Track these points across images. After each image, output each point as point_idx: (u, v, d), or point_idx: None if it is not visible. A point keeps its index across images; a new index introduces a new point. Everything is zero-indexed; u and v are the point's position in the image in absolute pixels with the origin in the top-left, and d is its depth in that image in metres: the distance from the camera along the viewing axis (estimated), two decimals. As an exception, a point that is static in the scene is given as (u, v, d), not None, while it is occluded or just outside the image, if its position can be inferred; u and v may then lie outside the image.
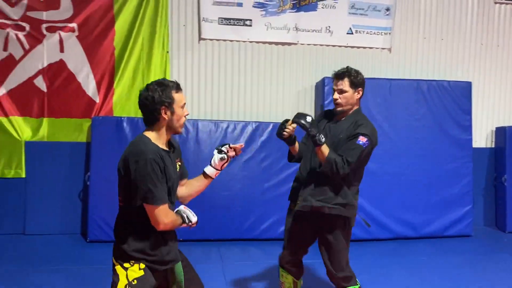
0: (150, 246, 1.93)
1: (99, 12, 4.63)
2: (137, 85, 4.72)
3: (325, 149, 2.44)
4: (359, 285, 2.65)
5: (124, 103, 4.75)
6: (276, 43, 5.03)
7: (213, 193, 4.49)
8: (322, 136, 2.43)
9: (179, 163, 2.10)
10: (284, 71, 5.07)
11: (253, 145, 4.71)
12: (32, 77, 4.60)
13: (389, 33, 5.17)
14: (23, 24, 4.54)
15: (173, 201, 2.04)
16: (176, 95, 1.93)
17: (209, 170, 2.16)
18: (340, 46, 5.12)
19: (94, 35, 4.64)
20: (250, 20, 4.91)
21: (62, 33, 4.59)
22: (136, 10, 4.69)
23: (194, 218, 2.03)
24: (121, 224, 1.98)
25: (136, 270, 1.91)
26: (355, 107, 2.62)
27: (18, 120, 4.61)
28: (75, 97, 4.66)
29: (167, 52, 4.81)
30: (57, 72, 4.61)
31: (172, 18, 4.83)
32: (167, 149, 1.98)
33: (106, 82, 4.71)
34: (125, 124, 4.49)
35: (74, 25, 4.60)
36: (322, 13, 5.02)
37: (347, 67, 2.63)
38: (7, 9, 4.48)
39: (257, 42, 5.00)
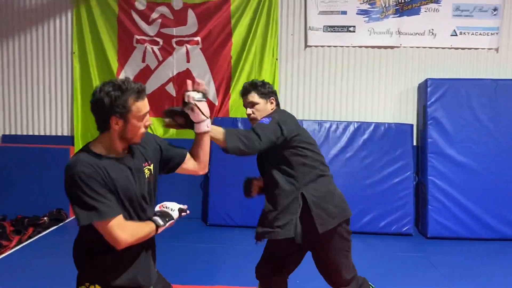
0: (106, 267, 1.66)
1: (219, 26, 5.30)
2: (250, 89, 5.32)
3: (216, 130, 2.09)
4: None
5: (239, 105, 5.36)
6: (379, 47, 5.29)
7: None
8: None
9: (149, 167, 1.76)
10: (386, 73, 5.30)
11: (355, 144, 5.03)
12: (164, 84, 5.42)
13: (496, 33, 5.13)
14: (158, 39, 5.38)
15: (142, 217, 1.71)
16: (135, 105, 1.59)
17: (196, 128, 1.87)
18: (443, 48, 5.20)
19: (215, 47, 5.32)
20: (354, 26, 5.23)
21: (189, 46, 5.35)
22: (250, 24, 5.27)
23: (174, 212, 1.77)
24: (75, 246, 1.73)
25: None
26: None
27: (152, 120, 5.47)
28: (198, 101, 5.38)
29: (276, 59, 5.33)
30: (184, 79, 5.34)
31: (282, 28, 5.34)
32: (120, 156, 1.66)
33: (224, 87, 5.37)
34: (239, 124, 5.10)
35: (198, 38, 5.33)
36: (425, 16, 5.16)
37: (252, 81, 2.48)
38: (145, 27, 5.36)
39: (360, 47, 5.30)
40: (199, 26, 5.31)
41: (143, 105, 1.62)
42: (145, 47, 5.38)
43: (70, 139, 5.52)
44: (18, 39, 5.51)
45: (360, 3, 5.18)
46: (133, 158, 1.70)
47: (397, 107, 5.29)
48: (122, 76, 5.36)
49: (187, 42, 5.35)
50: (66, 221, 5.10)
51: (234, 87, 5.35)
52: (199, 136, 1.89)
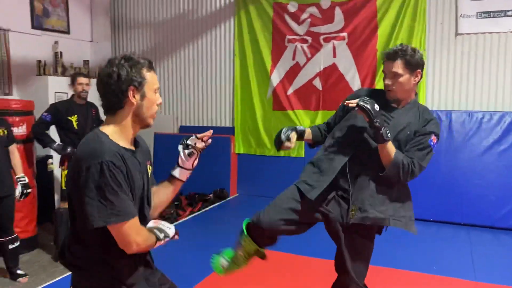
0: (114, 276, 1.50)
1: (365, 21, 5.49)
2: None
3: (391, 148, 2.04)
4: None
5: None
6: (543, 30, 4.83)
7: (465, 182, 4.78)
8: (388, 131, 2.02)
9: (150, 166, 1.67)
10: (551, 59, 4.81)
11: (511, 136, 4.71)
12: (311, 79, 5.85)
13: None
14: (307, 37, 5.83)
15: (147, 215, 1.61)
16: (148, 75, 1.52)
17: (177, 172, 1.75)
18: None
19: (360, 41, 5.53)
20: (511, 10, 4.87)
21: (335, 42, 5.68)
22: (396, 17, 5.33)
23: (171, 231, 1.59)
24: (77, 250, 1.52)
25: None
26: (412, 94, 2.18)
27: (300, 112, 5.95)
28: (343, 93, 5.64)
29: (424, 50, 5.28)
30: (330, 74, 5.73)
31: (430, 18, 5.26)
32: (132, 148, 1.55)
33: (369, 80, 5.55)
34: (383, 115, 5.23)
35: (344, 34, 5.61)
36: None
37: (401, 44, 2.15)
38: (296, 27, 5.86)
39: (519, 31, 4.91)
40: (345, 23, 5.59)
41: (155, 78, 1.56)
42: (295, 46, 5.88)
43: (231, 130, 6.35)
44: (192, 44, 6.55)
45: (521, -16, 4.80)
46: (138, 153, 1.57)
47: None
48: (275, 74, 5.98)
49: (334, 38, 5.67)
50: (227, 199, 5.95)
51: (380, 79, 5.48)
52: (178, 183, 1.77)
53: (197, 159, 1.76)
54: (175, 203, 5.60)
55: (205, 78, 6.53)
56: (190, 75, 6.63)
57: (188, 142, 1.75)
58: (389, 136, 2.02)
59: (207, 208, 5.54)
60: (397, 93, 2.12)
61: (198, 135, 1.74)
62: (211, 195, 5.91)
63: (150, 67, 1.53)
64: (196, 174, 1.81)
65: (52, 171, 5.19)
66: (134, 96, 1.49)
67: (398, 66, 2.08)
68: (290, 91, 5.97)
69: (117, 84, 1.46)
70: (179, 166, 1.75)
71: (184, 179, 1.76)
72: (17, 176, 3.62)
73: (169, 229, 1.58)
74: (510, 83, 4.99)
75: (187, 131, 6.61)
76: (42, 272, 3.81)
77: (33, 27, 5.67)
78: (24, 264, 3.85)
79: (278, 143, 2.27)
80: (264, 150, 6.15)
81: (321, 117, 5.81)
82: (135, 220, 1.45)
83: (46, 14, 5.87)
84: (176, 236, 1.61)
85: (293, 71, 5.92)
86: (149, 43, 6.80)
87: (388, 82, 2.12)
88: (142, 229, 1.49)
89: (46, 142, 4.10)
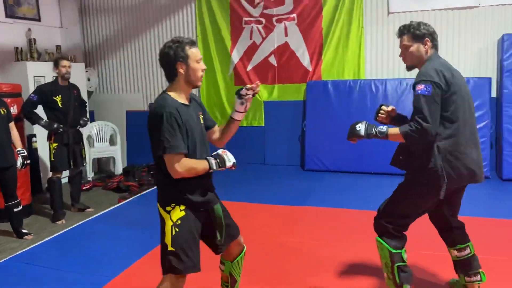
0: (184, 190, 2.06)
1: (311, 3, 6.23)
2: (339, 55, 6.22)
3: (394, 132, 2.30)
4: (394, 250, 2.39)
5: (329, 70, 6.30)
6: (458, 8, 5.73)
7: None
8: (381, 127, 2.37)
9: (202, 116, 2.22)
10: (465, 32, 5.73)
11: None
12: (267, 56, 6.56)
13: None
14: (261, 19, 6.52)
15: (202, 152, 2.12)
16: (190, 51, 2.05)
17: (235, 115, 2.27)
18: (522, 4, 5.45)
19: (308, 21, 6.28)
20: (433, -9, 5.75)
21: (286, 22, 6.40)
22: (338, -2, 6.12)
23: (229, 163, 2.11)
24: (158, 174, 2.13)
25: (177, 212, 2.06)
26: (426, 58, 2.40)
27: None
28: (295, 68, 6.45)
29: (362, 27, 6.10)
30: (283, 51, 6.47)
31: (366, -1, 6.08)
32: (187, 103, 2.11)
33: (316, 55, 6.33)
34: (329, 86, 6.05)
35: (294, 15, 6.34)
36: (504, -26, 5.44)
37: (407, 24, 2.46)
38: (251, 10, 6.53)
39: (440, 10, 5.80)
40: (294, 5, 6.32)
41: (197, 51, 2.09)
42: (252, 27, 6.57)
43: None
44: (157, 27, 7.08)
45: (439, -31, 5.65)
46: (192, 107, 2.15)
47: (477, 63, 5.71)
48: (235, 53, 6.66)
49: (285, 19, 6.40)
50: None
51: (325, 54, 6.27)
52: (236, 122, 2.29)
53: (248, 104, 2.25)
54: (151, 172, 6.22)
55: (170, 59, 7.09)
56: (156, 56, 7.11)
57: (241, 92, 2.23)
58: (384, 130, 2.34)
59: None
60: (408, 61, 2.46)
61: (248, 86, 2.22)
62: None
63: (192, 44, 2.08)
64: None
65: (36, 149, 5.73)
66: (181, 68, 2.05)
67: (405, 40, 2.42)
68: (249, 67, 6.68)
69: (169, 61, 2.05)
70: (236, 110, 2.27)
71: (240, 118, 2.28)
72: (17, 149, 4.18)
73: (229, 161, 2.10)
74: (433, 54, 5.89)
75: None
76: (42, 231, 4.42)
77: (7, 16, 6.06)
78: (26, 227, 4.43)
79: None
80: (228, 121, 6.85)
81: (277, 90, 6.58)
82: (180, 155, 1.99)
83: (17, 3, 6.25)
84: (233, 167, 2.12)
85: (251, 50, 6.62)
86: (117, 27, 7.28)
87: (401, 55, 2.48)
88: (186, 161, 2.01)
89: (35, 119, 4.65)
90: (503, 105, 5.28)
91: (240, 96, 2.24)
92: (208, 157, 2.11)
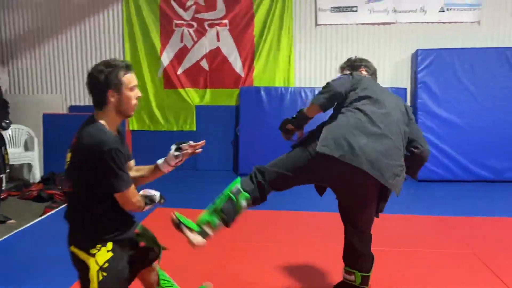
0: (115, 224, 1.90)
1: (243, 10, 6.35)
2: (270, 62, 6.41)
3: (309, 105, 2.47)
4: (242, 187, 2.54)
5: (261, 76, 6.46)
6: (378, 24, 6.25)
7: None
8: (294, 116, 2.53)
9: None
10: (384, 46, 6.28)
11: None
12: (199, 60, 6.53)
13: (479, 8, 6.02)
14: (192, 23, 6.48)
15: None
16: (125, 77, 1.84)
17: (164, 167, 2.09)
18: (433, 23, 6.13)
19: (240, 28, 6.39)
20: (356, 7, 6.20)
21: (218, 28, 6.44)
22: (269, 6, 6.29)
23: (157, 197, 2.02)
24: (79, 211, 1.89)
25: (104, 254, 1.85)
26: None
27: (190, 91, 6.62)
28: (227, 73, 6.50)
29: (292, 37, 6.37)
30: (215, 56, 6.49)
31: (296, 10, 6.35)
32: (117, 135, 1.92)
33: (248, 61, 6.46)
34: (262, 92, 6.22)
35: (226, 21, 6.40)
36: (417, -4, 6.09)
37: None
38: (182, 13, 6.46)
39: (362, 24, 6.28)
40: (226, 11, 6.38)
41: (132, 77, 1.87)
42: (182, 30, 6.49)
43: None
44: (80, 26, 6.66)
45: (362, -13, 6.14)
46: (121, 140, 1.94)
47: (394, 74, 6.29)
48: (164, 56, 6.52)
49: (217, 24, 6.43)
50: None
51: (257, 61, 6.43)
52: (160, 173, 2.11)
53: (181, 162, 2.09)
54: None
55: (94, 60, 6.73)
56: (78, 56, 6.77)
57: (181, 146, 2.06)
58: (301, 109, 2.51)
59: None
60: None
61: (192, 143, 2.08)
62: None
63: (127, 69, 1.86)
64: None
65: None
66: (113, 96, 1.83)
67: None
68: (180, 71, 6.59)
69: (99, 87, 1.83)
70: (166, 162, 2.07)
71: (166, 171, 2.09)
72: None
73: (155, 196, 2.00)
74: (356, 65, 6.36)
75: (78, 110, 6.77)
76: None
77: None
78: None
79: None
80: (157, 125, 6.69)
81: (209, 95, 6.58)
82: (133, 186, 1.88)
83: None
84: (162, 201, 2.03)
85: (182, 53, 6.53)
86: (34, 24, 6.71)
87: None
88: (136, 193, 1.92)
89: None
90: (418, 113, 5.86)
91: (179, 149, 2.07)
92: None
